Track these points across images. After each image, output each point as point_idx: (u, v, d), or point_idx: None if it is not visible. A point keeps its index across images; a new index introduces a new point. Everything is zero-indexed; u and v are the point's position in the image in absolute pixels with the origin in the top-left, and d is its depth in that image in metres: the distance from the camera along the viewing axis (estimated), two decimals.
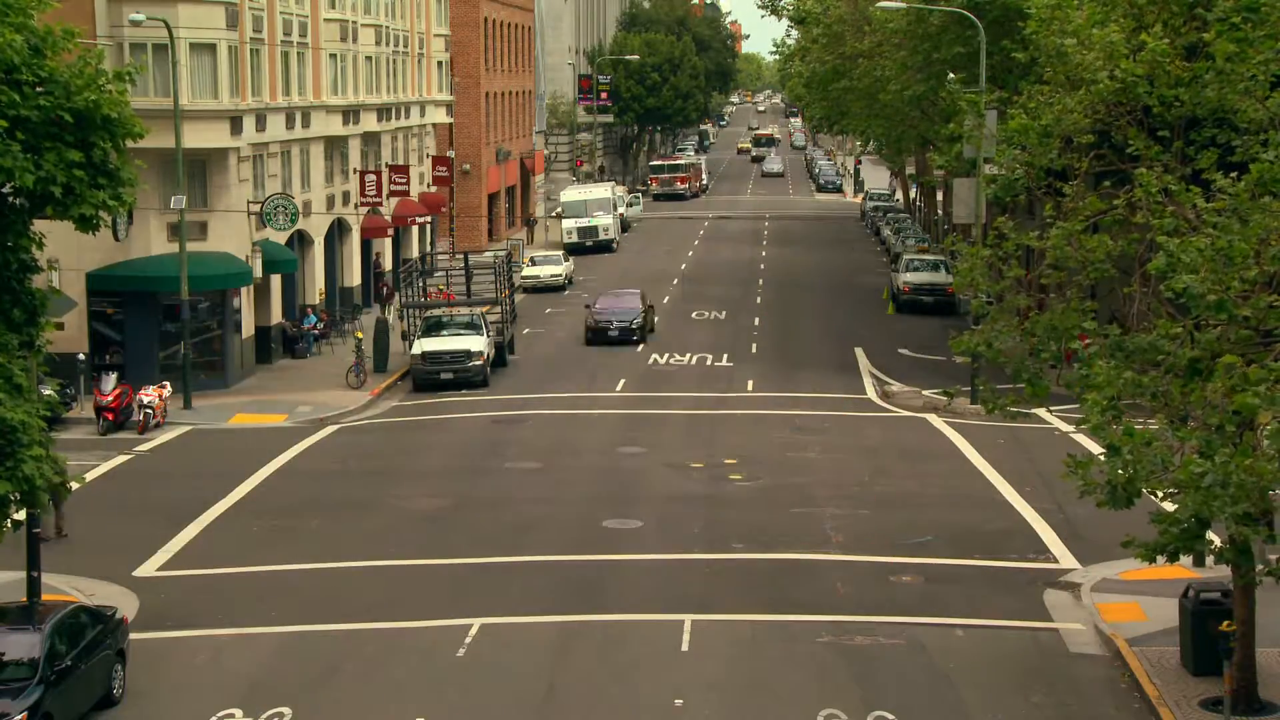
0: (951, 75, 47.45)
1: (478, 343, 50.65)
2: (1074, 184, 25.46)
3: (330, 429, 44.54)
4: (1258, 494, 19.73)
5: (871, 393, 49.71)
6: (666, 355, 56.07)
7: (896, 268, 71.61)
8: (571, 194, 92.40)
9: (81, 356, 45.84)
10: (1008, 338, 24.92)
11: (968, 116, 32.17)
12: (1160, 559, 21.65)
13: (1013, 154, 26.53)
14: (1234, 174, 22.47)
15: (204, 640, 26.64)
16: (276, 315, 54.51)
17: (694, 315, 65.59)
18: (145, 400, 43.40)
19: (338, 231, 62.67)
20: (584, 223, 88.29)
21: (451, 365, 49.94)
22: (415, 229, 73.02)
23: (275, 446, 41.40)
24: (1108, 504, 21.57)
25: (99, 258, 46.16)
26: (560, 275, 74.75)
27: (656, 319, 62.48)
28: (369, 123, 64.24)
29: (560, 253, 79.39)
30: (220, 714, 23.28)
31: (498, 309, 55.26)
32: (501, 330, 54.15)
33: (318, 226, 58.94)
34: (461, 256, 61.80)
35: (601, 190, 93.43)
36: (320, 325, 56.97)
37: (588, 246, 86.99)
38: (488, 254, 69.29)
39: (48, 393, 26.32)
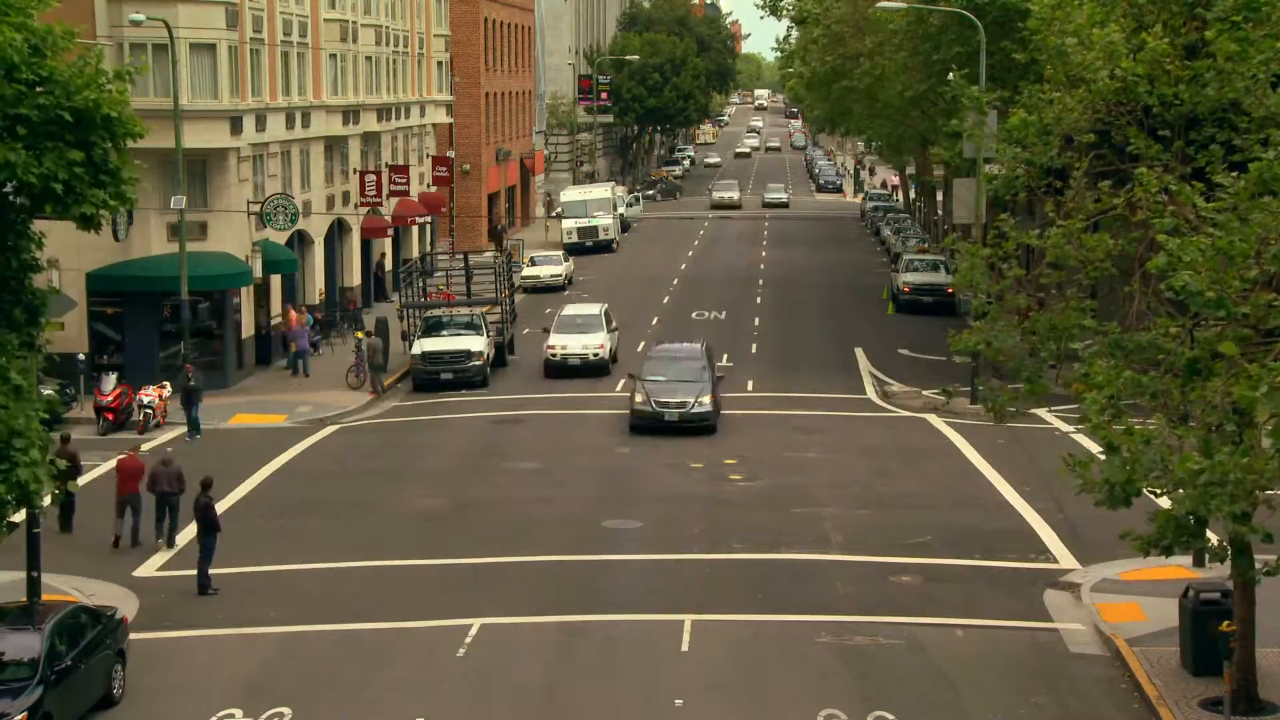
0: (952, 75, 47.44)
1: (478, 343, 50.66)
2: (1075, 179, 25.41)
3: (330, 429, 44.55)
4: (1256, 492, 19.73)
5: (871, 393, 49.71)
6: None
7: (896, 268, 71.60)
8: (571, 194, 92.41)
9: (81, 356, 45.84)
10: (1007, 337, 24.92)
11: (969, 113, 32.14)
12: (1154, 552, 21.64)
13: (1014, 151, 26.51)
14: (1235, 174, 22.46)
15: (204, 640, 26.65)
16: (277, 315, 54.49)
17: (694, 315, 65.58)
18: (145, 400, 43.42)
19: (338, 231, 62.68)
20: (584, 223, 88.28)
21: (451, 365, 49.95)
22: (415, 229, 73.02)
23: (275, 446, 41.40)
24: (1105, 503, 21.57)
25: (99, 258, 46.17)
26: (560, 275, 74.76)
27: (656, 319, 62.78)
28: (369, 123, 64.25)
29: (560, 253, 79.40)
30: (220, 714, 23.29)
31: (498, 309, 55.26)
32: (501, 330, 54.15)
33: (318, 226, 58.94)
34: (461, 256, 61.80)
35: (601, 190, 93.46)
36: (314, 326, 56.75)
37: (588, 246, 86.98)
38: (488, 254, 69.27)
39: (47, 393, 26.28)
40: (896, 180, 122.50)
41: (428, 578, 30.21)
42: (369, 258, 67.07)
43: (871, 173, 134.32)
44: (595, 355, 51.34)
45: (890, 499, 35.74)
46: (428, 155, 76.88)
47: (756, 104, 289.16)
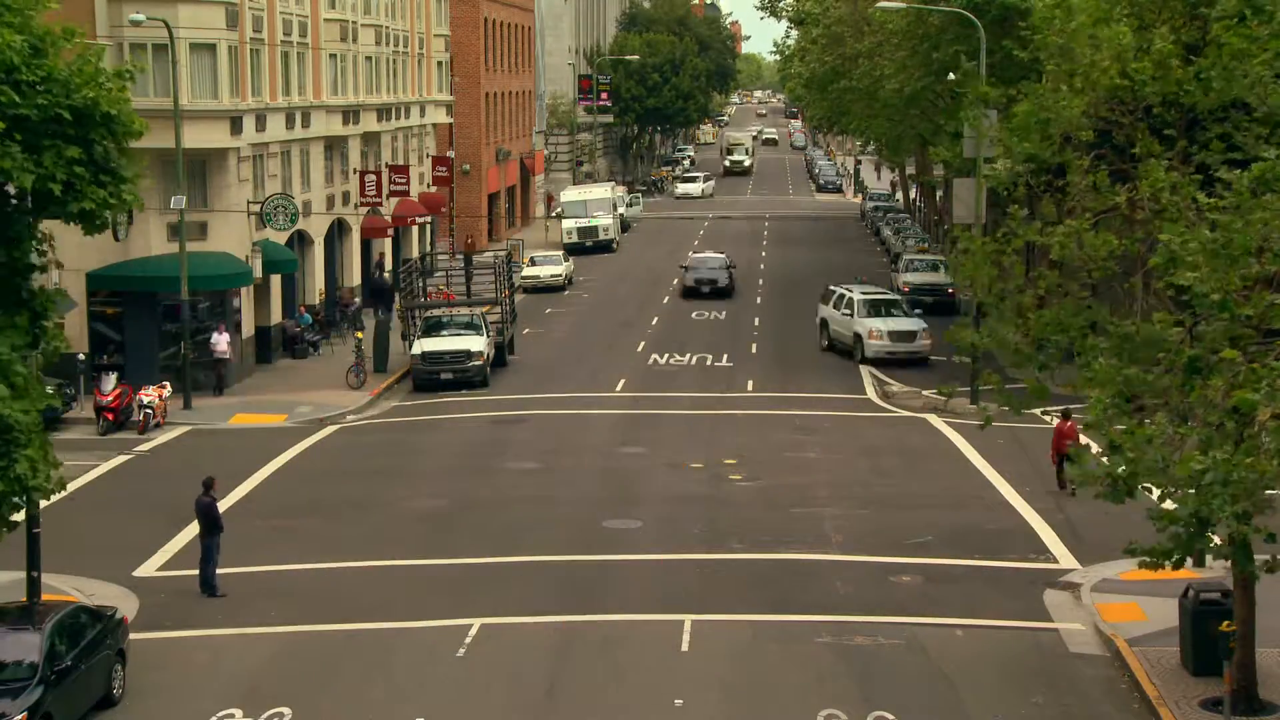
0: (951, 74, 47.42)
1: (478, 343, 50.65)
2: (1078, 166, 25.36)
3: (330, 429, 44.53)
4: (1258, 492, 19.73)
5: (871, 393, 49.69)
6: (666, 355, 56.05)
7: (896, 268, 71.56)
8: (571, 194, 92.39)
9: (81, 356, 45.82)
10: (1009, 334, 24.90)
11: (971, 106, 32.11)
12: (1166, 565, 21.65)
13: (1019, 145, 26.49)
14: (1237, 170, 22.44)
15: (204, 640, 26.64)
16: (276, 315, 54.50)
17: (694, 315, 65.57)
18: (145, 400, 43.40)
19: (338, 231, 62.66)
20: (584, 223, 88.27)
21: (451, 365, 49.94)
22: (415, 229, 73.01)
23: (275, 446, 41.39)
24: (1106, 496, 21.57)
25: (99, 258, 46.15)
26: (560, 275, 74.77)
27: (656, 319, 62.84)
28: (369, 123, 64.24)
29: (560, 253, 79.41)
30: (220, 714, 23.28)
31: (498, 309, 55.27)
32: (501, 330, 54.15)
33: (318, 226, 58.93)
34: (461, 256, 61.75)
35: (601, 190, 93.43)
36: (315, 326, 56.76)
37: (588, 246, 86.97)
38: (488, 254, 69.26)
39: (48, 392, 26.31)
40: (895, 177, 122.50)
41: (428, 578, 30.20)
42: (369, 258, 67.07)
43: (879, 173, 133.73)
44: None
45: (890, 499, 35.73)
46: (428, 155, 76.88)
47: (760, 133, 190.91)
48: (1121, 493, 21.25)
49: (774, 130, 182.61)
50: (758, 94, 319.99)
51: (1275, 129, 22.96)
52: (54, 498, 24.32)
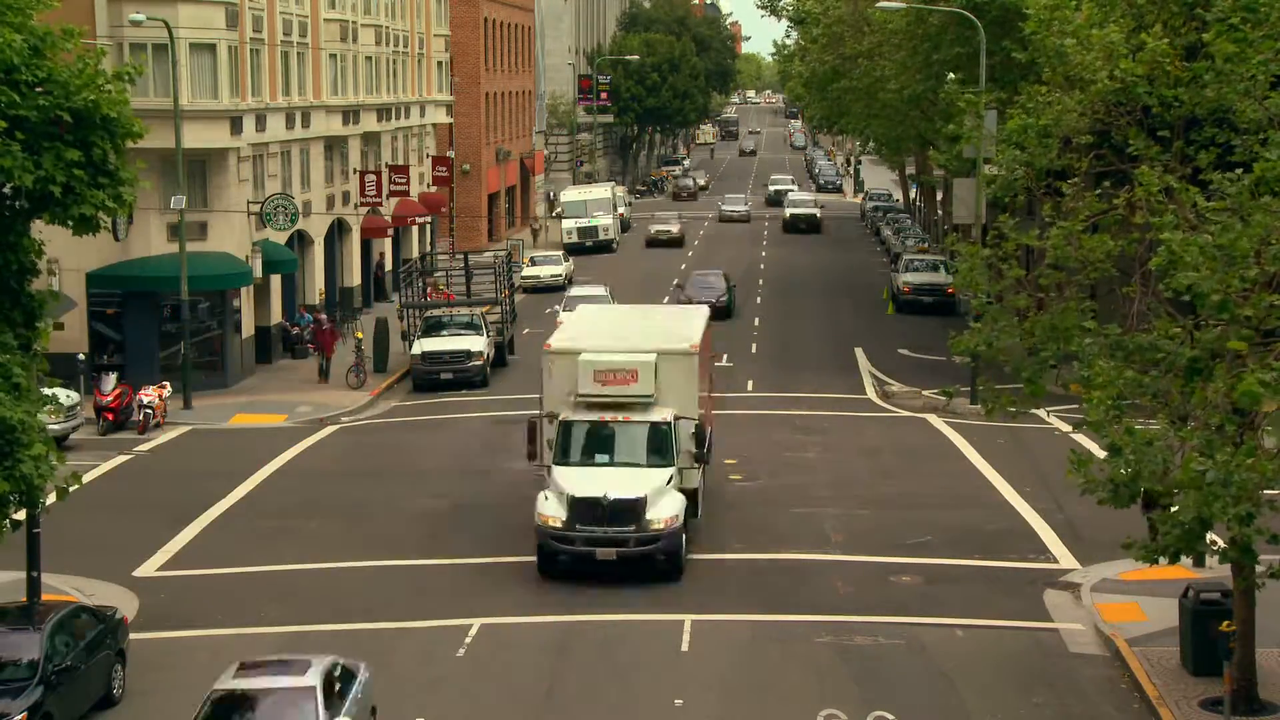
0: (951, 76, 47.45)
1: (478, 343, 50.66)
2: (1073, 182, 25.43)
3: (330, 429, 44.53)
4: (1259, 493, 19.74)
5: (871, 393, 49.69)
6: None
7: (896, 268, 71.59)
8: (571, 194, 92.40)
9: (81, 356, 45.81)
10: (1007, 337, 24.91)
11: (967, 116, 32.18)
12: (1162, 560, 21.66)
13: (1013, 153, 26.51)
14: (1238, 170, 22.42)
15: (204, 640, 26.63)
16: (276, 315, 54.50)
17: None
18: (145, 400, 43.39)
19: (338, 231, 62.66)
20: (584, 223, 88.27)
21: (451, 365, 49.95)
22: (415, 229, 73.01)
23: (275, 446, 41.39)
24: (1110, 501, 21.56)
25: (99, 258, 46.16)
26: (560, 275, 74.76)
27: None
28: (369, 123, 64.23)
29: (560, 253, 79.40)
30: None
31: (498, 309, 55.27)
32: (501, 330, 54.15)
33: (318, 226, 58.92)
34: (461, 256, 61.79)
35: (601, 190, 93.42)
36: (312, 327, 56.67)
37: (588, 246, 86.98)
38: (488, 254, 69.25)
39: (48, 393, 26.30)
40: (895, 177, 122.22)
41: (428, 578, 30.20)
42: (369, 258, 67.07)
43: (856, 175, 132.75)
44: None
45: (890, 499, 35.73)
46: (428, 155, 76.86)
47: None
48: (1125, 497, 21.25)
49: (788, 176, 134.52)
50: (731, 104, 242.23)
51: (1271, 132, 22.92)
52: (51, 498, 24.31)
